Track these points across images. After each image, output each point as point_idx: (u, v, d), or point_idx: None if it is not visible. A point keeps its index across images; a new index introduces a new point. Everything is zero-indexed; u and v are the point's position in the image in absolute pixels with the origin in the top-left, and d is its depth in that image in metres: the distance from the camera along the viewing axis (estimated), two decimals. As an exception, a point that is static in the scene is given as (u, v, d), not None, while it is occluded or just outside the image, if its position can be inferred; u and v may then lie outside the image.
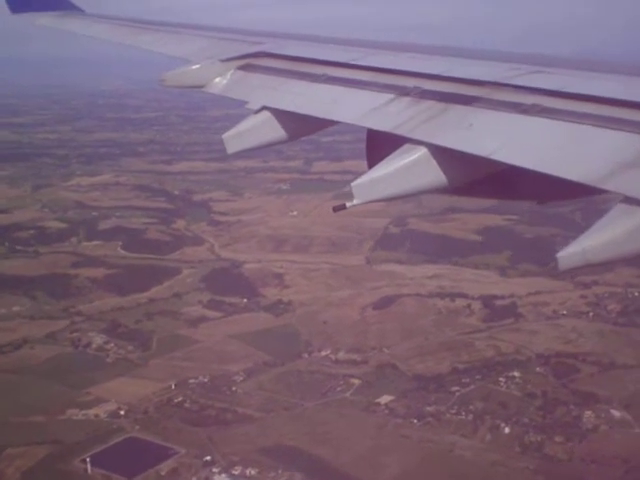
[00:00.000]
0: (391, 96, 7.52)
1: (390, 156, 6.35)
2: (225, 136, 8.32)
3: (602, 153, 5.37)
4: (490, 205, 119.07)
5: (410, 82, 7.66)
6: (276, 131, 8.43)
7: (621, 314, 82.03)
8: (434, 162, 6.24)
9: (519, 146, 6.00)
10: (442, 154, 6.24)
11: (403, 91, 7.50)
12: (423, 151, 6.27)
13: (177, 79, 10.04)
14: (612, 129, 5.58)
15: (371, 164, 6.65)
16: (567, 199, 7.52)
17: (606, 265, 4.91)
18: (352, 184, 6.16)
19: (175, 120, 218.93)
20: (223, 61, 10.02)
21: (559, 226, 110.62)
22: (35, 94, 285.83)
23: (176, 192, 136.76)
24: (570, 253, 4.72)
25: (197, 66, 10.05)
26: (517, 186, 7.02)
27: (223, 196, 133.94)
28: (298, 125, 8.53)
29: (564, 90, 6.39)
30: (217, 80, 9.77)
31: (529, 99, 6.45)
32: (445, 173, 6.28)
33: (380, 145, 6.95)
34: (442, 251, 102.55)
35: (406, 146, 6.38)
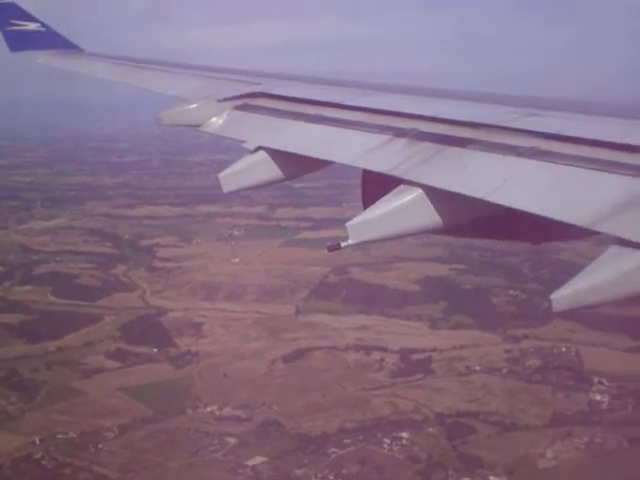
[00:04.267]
0: (387, 137, 7.41)
1: (385, 197, 6.27)
2: (221, 175, 8.16)
3: (597, 196, 5.25)
4: (438, 255, 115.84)
5: (406, 123, 7.54)
6: (272, 171, 8.31)
7: (537, 371, 77.58)
8: (429, 203, 6.18)
9: (515, 188, 5.84)
10: (437, 195, 6.17)
11: (399, 132, 7.40)
12: (418, 192, 6.19)
13: (174, 118, 9.95)
14: (608, 172, 5.44)
15: (366, 204, 6.64)
16: (561, 240, 7.90)
17: (598, 307, 4.73)
18: (347, 224, 6.03)
19: (156, 164, 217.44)
20: (220, 101, 9.93)
21: (505, 277, 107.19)
22: (29, 136, 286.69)
23: (126, 237, 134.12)
24: (563, 295, 4.56)
25: (194, 105, 9.92)
26: (512, 227, 7.02)
27: (171, 242, 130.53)
28: (294, 165, 8.40)
29: (561, 133, 6.27)
30: (213, 120, 9.70)
31: (526, 142, 6.34)
32: (440, 214, 6.22)
33: (375, 186, 6.92)
34: (377, 301, 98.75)
35: (401, 187, 6.30)
